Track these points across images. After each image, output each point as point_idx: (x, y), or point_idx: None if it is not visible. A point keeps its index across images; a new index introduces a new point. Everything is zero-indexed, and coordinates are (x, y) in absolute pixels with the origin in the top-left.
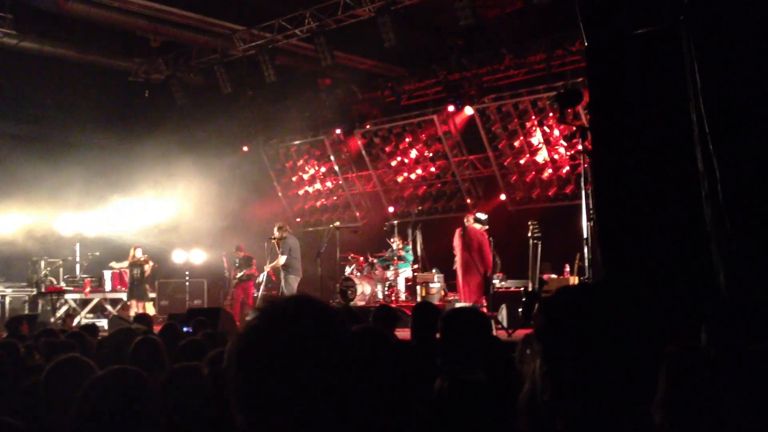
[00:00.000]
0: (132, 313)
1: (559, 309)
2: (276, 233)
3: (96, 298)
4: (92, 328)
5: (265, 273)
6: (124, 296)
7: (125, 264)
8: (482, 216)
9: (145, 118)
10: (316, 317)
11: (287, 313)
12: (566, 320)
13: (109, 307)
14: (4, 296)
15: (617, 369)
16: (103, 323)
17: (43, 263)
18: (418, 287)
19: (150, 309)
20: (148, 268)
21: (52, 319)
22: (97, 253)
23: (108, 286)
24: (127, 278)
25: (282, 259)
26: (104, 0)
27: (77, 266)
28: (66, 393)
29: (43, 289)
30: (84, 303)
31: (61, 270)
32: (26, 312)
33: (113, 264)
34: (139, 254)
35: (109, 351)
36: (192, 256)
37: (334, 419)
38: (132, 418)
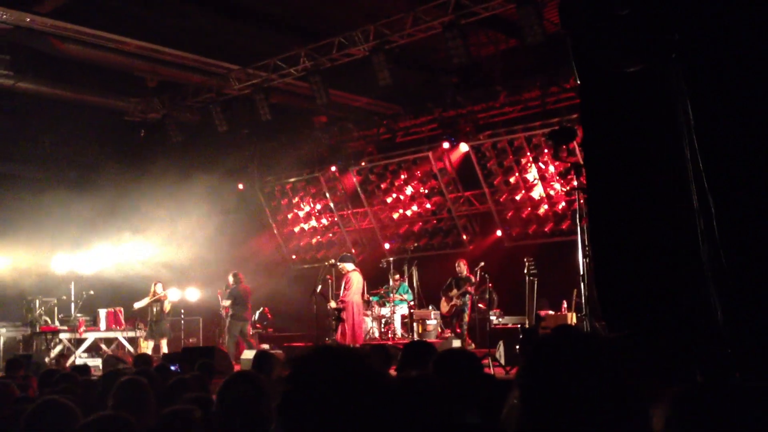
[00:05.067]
0: (152, 353)
1: (538, 358)
2: (230, 280)
3: (90, 338)
4: (84, 369)
5: (260, 311)
6: (119, 335)
7: (146, 301)
8: (350, 257)
9: (141, 158)
10: (351, 372)
11: (322, 372)
12: (544, 369)
13: (103, 347)
14: None
15: (595, 423)
16: (98, 363)
17: (37, 302)
18: (414, 324)
19: (164, 347)
20: (167, 304)
21: (47, 359)
22: (92, 292)
23: (103, 325)
24: (122, 317)
25: (225, 303)
26: (101, 41)
27: (72, 305)
28: None
29: (37, 329)
30: (78, 342)
31: (55, 309)
32: (20, 352)
33: (136, 305)
34: (159, 290)
35: (100, 391)
36: (187, 294)
37: None
38: None
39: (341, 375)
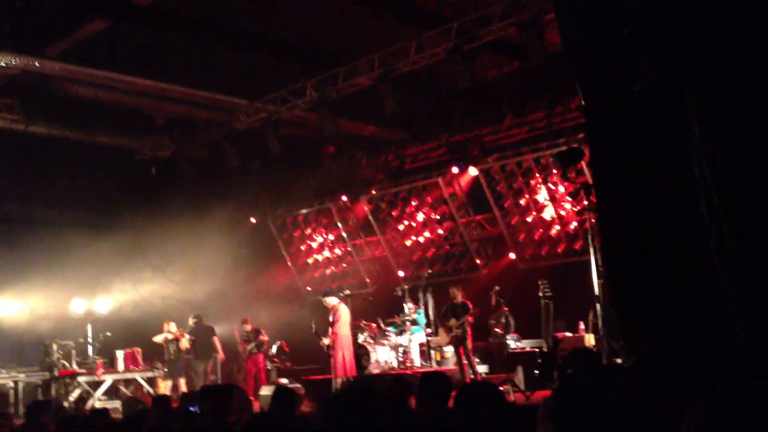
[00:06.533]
0: (170, 392)
1: (569, 388)
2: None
3: (109, 380)
4: (103, 412)
5: (278, 344)
6: (137, 376)
7: (161, 338)
8: (334, 291)
9: (155, 196)
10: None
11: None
12: (575, 401)
13: (122, 388)
14: (17, 381)
15: None
16: (116, 405)
17: (55, 346)
18: (432, 352)
19: (183, 386)
20: (185, 342)
21: (66, 403)
22: (109, 334)
23: (121, 366)
24: (139, 357)
25: (183, 344)
26: (109, 81)
27: (89, 348)
28: None
29: (56, 373)
30: (97, 385)
31: (73, 352)
32: (39, 397)
33: (154, 339)
34: (173, 329)
35: None
36: None
37: None
38: None
39: (375, 417)
